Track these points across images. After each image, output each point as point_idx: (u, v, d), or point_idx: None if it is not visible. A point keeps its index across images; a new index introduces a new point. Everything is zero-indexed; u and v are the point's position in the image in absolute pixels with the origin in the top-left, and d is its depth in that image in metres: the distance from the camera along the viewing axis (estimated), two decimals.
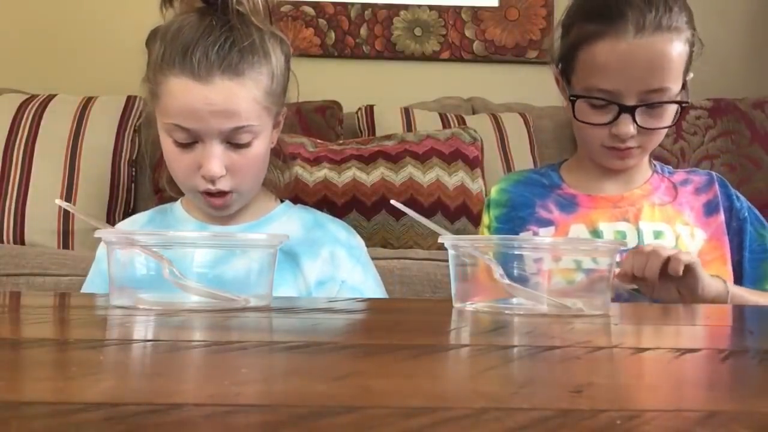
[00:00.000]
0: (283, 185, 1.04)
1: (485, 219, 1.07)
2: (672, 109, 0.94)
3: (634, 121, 0.91)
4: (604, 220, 0.97)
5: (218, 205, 0.91)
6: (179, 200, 1.01)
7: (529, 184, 1.07)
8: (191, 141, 0.87)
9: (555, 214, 1.01)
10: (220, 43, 0.85)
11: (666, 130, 0.97)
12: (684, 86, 0.94)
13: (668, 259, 0.80)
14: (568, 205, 1.01)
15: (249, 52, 0.87)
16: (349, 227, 1.03)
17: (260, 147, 0.91)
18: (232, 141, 0.88)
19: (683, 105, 0.94)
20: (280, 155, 1.04)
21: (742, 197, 1.03)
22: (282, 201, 1.04)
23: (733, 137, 1.91)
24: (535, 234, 0.99)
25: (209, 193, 0.89)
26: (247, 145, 0.89)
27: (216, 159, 0.87)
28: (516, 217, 1.02)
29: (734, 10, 2.24)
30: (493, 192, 1.08)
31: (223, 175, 0.88)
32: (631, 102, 0.91)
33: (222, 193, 0.90)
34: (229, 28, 0.86)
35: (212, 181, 0.88)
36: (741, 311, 0.75)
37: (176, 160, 0.90)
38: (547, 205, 1.02)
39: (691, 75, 0.97)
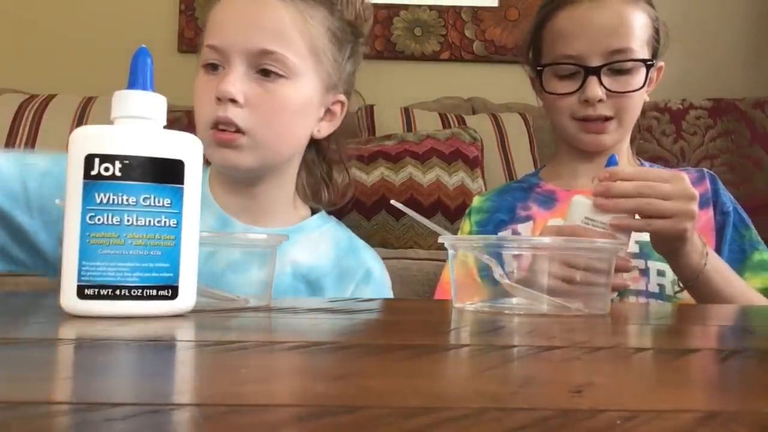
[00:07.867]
0: (332, 194, 0.97)
1: (465, 226, 1.07)
2: (640, 75, 0.95)
3: (601, 84, 0.93)
4: None
5: (224, 140, 0.80)
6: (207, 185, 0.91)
7: (510, 191, 1.09)
8: (217, 64, 0.82)
9: (533, 210, 1.03)
10: None
11: (640, 102, 0.97)
12: (651, 65, 0.95)
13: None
14: (547, 201, 1.03)
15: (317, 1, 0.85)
16: (379, 258, 0.96)
17: (290, 92, 0.82)
18: (258, 67, 0.81)
19: (648, 63, 0.95)
20: (336, 158, 0.97)
21: (728, 194, 1.02)
22: (316, 210, 0.96)
23: (733, 137, 1.91)
24: (515, 232, 1.00)
25: (218, 128, 0.80)
26: (273, 78, 0.81)
27: (233, 77, 0.79)
28: (498, 220, 1.04)
29: (734, 10, 2.24)
30: (475, 201, 1.10)
31: (238, 101, 0.79)
32: (595, 63, 0.93)
33: (231, 131, 0.80)
34: None
35: (225, 106, 0.79)
36: (740, 311, 0.75)
37: (200, 92, 0.83)
38: (526, 204, 1.04)
39: (661, 64, 1.00)
